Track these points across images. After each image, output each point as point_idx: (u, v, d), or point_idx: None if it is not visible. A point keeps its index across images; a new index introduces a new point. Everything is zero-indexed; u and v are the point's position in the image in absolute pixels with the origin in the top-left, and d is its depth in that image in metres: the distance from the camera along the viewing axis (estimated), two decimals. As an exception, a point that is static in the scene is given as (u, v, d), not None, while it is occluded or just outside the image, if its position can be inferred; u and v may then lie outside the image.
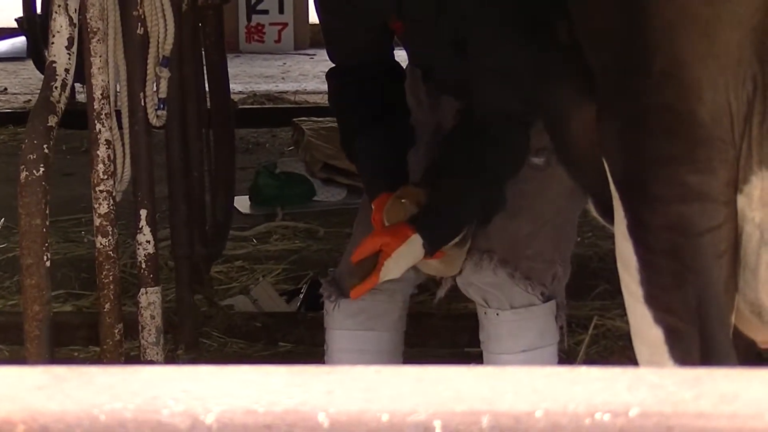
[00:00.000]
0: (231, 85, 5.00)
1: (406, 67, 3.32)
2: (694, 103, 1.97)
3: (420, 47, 3.11)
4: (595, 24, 2.14)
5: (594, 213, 2.58)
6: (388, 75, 3.17)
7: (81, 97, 2.99)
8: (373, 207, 3.01)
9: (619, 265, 2.15)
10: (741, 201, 2.01)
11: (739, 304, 2.08)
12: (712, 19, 1.94)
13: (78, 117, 3.14)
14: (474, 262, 3.00)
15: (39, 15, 7.71)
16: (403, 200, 2.94)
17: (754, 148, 1.98)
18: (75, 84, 5.79)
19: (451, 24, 2.93)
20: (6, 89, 9.41)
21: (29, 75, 9.45)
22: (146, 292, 3.17)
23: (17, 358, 3.73)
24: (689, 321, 2.04)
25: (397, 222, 2.92)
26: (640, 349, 2.13)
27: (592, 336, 3.93)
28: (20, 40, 9.90)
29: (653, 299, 2.07)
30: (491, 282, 3.02)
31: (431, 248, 2.89)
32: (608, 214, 2.20)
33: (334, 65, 3.21)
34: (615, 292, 3.07)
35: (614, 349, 3.90)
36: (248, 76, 10.19)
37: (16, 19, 9.33)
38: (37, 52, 7.63)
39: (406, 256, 2.90)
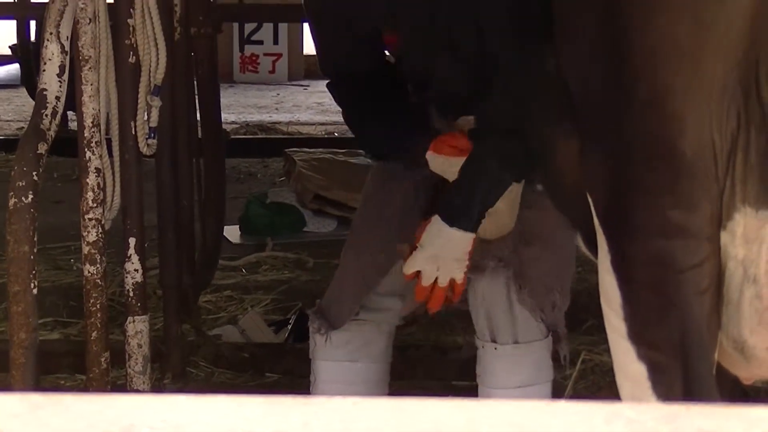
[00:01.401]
0: (224, 115, 5.01)
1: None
2: (676, 134, 1.96)
3: (414, 58, 3.10)
4: (579, 54, 2.13)
5: (582, 247, 2.58)
6: (387, 79, 3.16)
7: (73, 125, 3.00)
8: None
9: (602, 300, 2.13)
10: (724, 237, 2.01)
11: (722, 341, 2.08)
12: (696, 49, 1.93)
13: (70, 144, 3.14)
14: (491, 269, 2.98)
15: (33, 42, 7.72)
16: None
17: (738, 184, 1.97)
18: (67, 111, 5.78)
19: (445, 26, 2.92)
20: (-2, 116, 9.41)
21: (23, 102, 9.45)
22: (134, 321, 3.17)
23: (3, 385, 3.72)
24: (672, 357, 2.03)
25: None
26: (622, 384, 2.12)
27: (580, 371, 3.92)
28: (14, 67, 9.91)
29: (636, 334, 2.06)
30: (500, 308, 3.00)
31: (451, 222, 2.85)
32: (595, 247, 2.20)
33: (331, 78, 3.19)
34: (603, 327, 3.06)
35: (602, 384, 3.90)
36: (242, 106, 10.20)
37: (10, 47, 9.34)
38: (30, 79, 7.64)
39: (431, 242, 2.87)
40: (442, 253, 2.87)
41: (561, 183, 2.36)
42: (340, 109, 3.24)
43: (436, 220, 2.87)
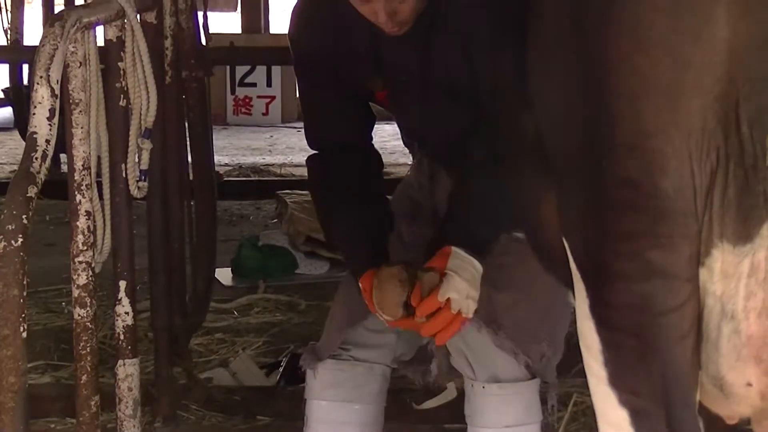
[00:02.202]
0: (217, 157, 5.01)
1: (404, 141, 3.33)
2: (657, 175, 1.95)
3: (407, 110, 3.11)
4: (555, 100, 2.11)
5: (573, 301, 2.57)
6: (366, 163, 3.17)
7: (65, 167, 3.01)
8: (361, 284, 2.97)
9: (581, 345, 2.11)
10: (702, 274, 2.00)
11: (702, 379, 2.07)
12: (676, 88, 1.93)
13: (61, 187, 3.14)
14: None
15: (25, 86, 7.75)
16: (390, 280, 2.89)
17: (715, 221, 1.96)
18: (59, 154, 5.79)
19: (440, 68, 2.93)
20: (-9, 159, 9.42)
21: (15, 145, 9.47)
22: (124, 364, 3.16)
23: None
24: (654, 403, 2.02)
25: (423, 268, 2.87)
26: (605, 430, 2.10)
27: (571, 413, 3.91)
28: (7, 111, 9.93)
29: (617, 380, 2.04)
30: (478, 348, 2.99)
31: (473, 252, 2.84)
32: None
33: (313, 151, 3.21)
34: (594, 369, 3.05)
35: (593, 426, 3.87)
36: (235, 148, 10.22)
37: (2, 90, 9.36)
38: (23, 122, 7.66)
39: (460, 269, 2.83)
40: (472, 283, 2.84)
41: (545, 234, 2.34)
42: (308, 188, 3.26)
43: (457, 251, 2.85)
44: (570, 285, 2.34)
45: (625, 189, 1.97)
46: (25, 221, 2.58)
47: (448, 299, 2.82)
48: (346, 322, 3.08)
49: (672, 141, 1.94)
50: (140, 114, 3.12)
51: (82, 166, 2.91)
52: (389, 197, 3.29)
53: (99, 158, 3.03)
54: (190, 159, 4.27)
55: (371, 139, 3.21)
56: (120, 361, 3.15)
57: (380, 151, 3.30)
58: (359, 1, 2.81)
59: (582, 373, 4.42)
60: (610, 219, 2.00)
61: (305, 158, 3.27)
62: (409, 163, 7.63)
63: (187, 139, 4.22)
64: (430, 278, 2.82)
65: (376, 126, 3.23)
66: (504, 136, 2.64)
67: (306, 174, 3.33)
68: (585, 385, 4.18)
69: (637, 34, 1.93)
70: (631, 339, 2.01)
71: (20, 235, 2.57)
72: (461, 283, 2.82)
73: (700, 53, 1.90)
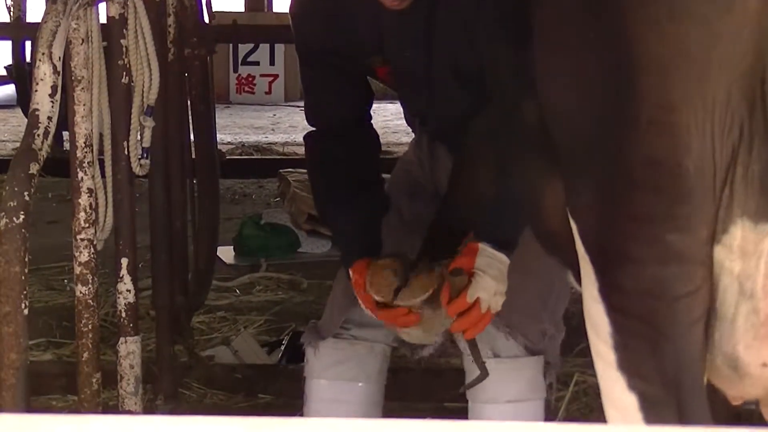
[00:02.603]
0: (220, 136, 5.00)
1: (407, 118, 3.33)
2: (681, 152, 1.90)
3: (410, 88, 3.10)
4: (566, 80, 2.06)
5: (573, 282, 2.55)
6: (364, 142, 3.16)
7: (67, 145, 3.01)
8: (352, 273, 2.98)
9: (588, 327, 2.07)
10: (719, 252, 1.95)
11: (715, 359, 2.03)
12: (705, 60, 1.88)
13: (64, 165, 3.14)
14: None
15: (28, 63, 7.73)
16: (385, 268, 2.90)
17: (736, 198, 1.92)
18: (62, 132, 5.79)
19: (447, 53, 2.91)
20: (-6, 136, 9.42)
21: (18, 122, 9.46)
22: (126, 342, 3.16)
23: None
24: (664, 389, 1.98)
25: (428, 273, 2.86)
26: (612, 414, 2.06)
27: (573, 393, 3.91)
28: (10, 88, 9.92)
29: (627, 364, 2.00)
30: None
31: (497, 243, 2.83)
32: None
33: (312, 128, 3.21)
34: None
35: (595, 406, 3.89)
36: (238, 127, 10.21)
37: (5, 67, 9.35)
38: (25, 100, 7.64)
39: (488, 267, 2.83)
40: (500, 280, 2.85)
41: (549, 221, 2.31)
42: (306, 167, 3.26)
43: (485, 248, 2.84)
44: (573, 268, 2.32)
45: (648, 169, 1.92)
46: (26, 198, 2.58)
47: (478, 298, 2.83)
48: (347, 301, 3.08)
49: (696, 116, 1.89)
50: (142, 91, 3.11)
51: (84, 143, 2.91)
52: (388, 176, 3.29)
53: (101, 135, 3.03)
54: (192, 137, 4.27)
55: (370, 117, 3.20)
56: (122, 339, 3.15)
57: (383, 130, 3.30)
58: None
59: (583, 353, 4.44)
60: (628, 201, 1.95)
61: (306, 136, 3.27)
62: (412, 142, 7.56)
63: (190, 117, 4.21)
64: (460, 281, 2.84)
65: (378, 105, 3.23)
66: (504, 121, 2.62)
67: (308, 153, 3.32)
68: (586, 365, 4.20)
69: (668, 2, 1.88)
70: (643, 324, 1.97)
71: (22, 212, 2.57)
72: (489, 282, 2.83)
73: (730, 24, 1.86)
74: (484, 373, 2.97)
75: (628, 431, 0.81)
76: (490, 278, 2.83)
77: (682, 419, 1.98)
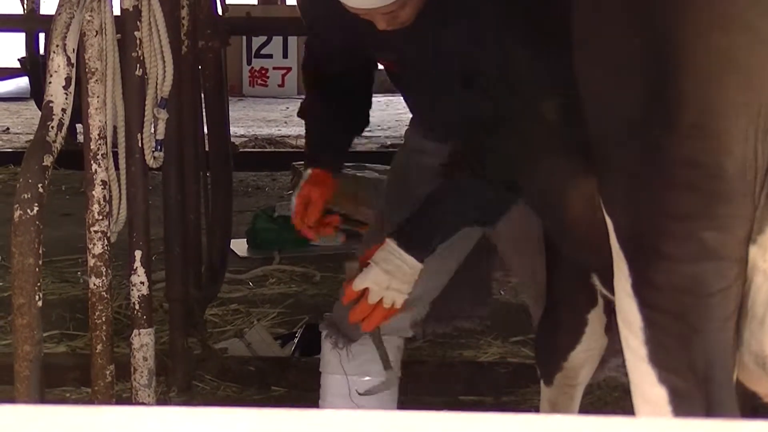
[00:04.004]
0: (233, 129, 5.00)
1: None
2: (722, 156, 1.90)
3: (416, 94, 3.09)
4: (604, 79, 2.05)
5: (599, 286, 2.54)
6: (361, 76, 3.21)
7: (81, 137, 3.02)
8: (311, 172, 3.17)
9: (619, 321, 2.08)
10: (753, 251, 1.96)
11: (744, 356, 2.03)
12: (751, 63, 1.87)
13: (78, 157, 3.15)
14: None
15: (42, 55, 7.74)
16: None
17: None
18: (75, 124, 5.79)
19: (454, 59, 2.91)
20: (8, 129, 9.44)
21: (32, 115, 9.48)
22: (139, 334, 3.16)
23: (8, 398, 3.71)
24: (695, 384, 1.99)
25: None
26: (641, 407, 2.06)
27: (586, 386, 3.90)
28: (23, 81, 9.94)
29: (658, 358, 2.01)
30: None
31: (407, 249, 2.85)
32: (609, 284, 2.15)
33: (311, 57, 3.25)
34: (608, 344, 3.05)
35: (608, 399, 3.88)
36: (251, 120, 10.21)
37: (19, 59, 9.36)
38: (39, 92, 7.65)
39: (386, 261, 2.86)
40: (395, 275, 2.86)
41: (574, 223, 2.30)
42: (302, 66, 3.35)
43: (390, 243, 2.86)
44: (600, 271, 2.31)
45: (686, 169, 1.92)
46: (40, 190, 2.58)
47: (367, 289, 2.86)
48: None
49: (740, 121, 1.88)
50: (156, 84, 3.11)
51: (98, 135, 2.91)
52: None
53: (115, 128, 3.03)
54: (205, 130, 4.27)
55: (372, 81, 3.24)
56: (135, 331, 3.15)
57: (396, 123, 3.31)
58: (357, 12, 2.78)
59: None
60: (666, 199, 1.95)
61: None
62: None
63: (203, 109, 4.21)
64: (350, 267, 2.93)
65: (392, 98, 3.25)
66: (522, 124, 2.61)
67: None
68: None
69: (715, 10, 1.87)
70: (676, 320, 1.98)
71: (36, 204, 2.57)
72: (380, 275, 2.85)
73: None
74: (389, 370, 3.05)
75: (645, 424, 0.81)
76: (381, 271, 2.85)
77: (711, 413, 1.98)
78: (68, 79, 2.71)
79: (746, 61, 1.88)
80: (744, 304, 2.00)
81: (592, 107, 2.10)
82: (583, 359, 3.03)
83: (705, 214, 1.93)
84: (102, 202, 2.91)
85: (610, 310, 2.75)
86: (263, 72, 11.70)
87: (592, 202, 2.18)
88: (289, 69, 11.73)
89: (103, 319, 2.94)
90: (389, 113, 8.42)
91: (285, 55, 11.68)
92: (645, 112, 1.97)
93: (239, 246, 5.68)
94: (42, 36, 7.78)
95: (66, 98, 2.71)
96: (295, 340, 4.42)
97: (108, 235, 2.93)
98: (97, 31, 2.85)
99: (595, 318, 2.87)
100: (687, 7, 1.90)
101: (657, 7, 1.93)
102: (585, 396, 3.89)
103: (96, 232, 2.91)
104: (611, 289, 2.14)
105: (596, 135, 2.10)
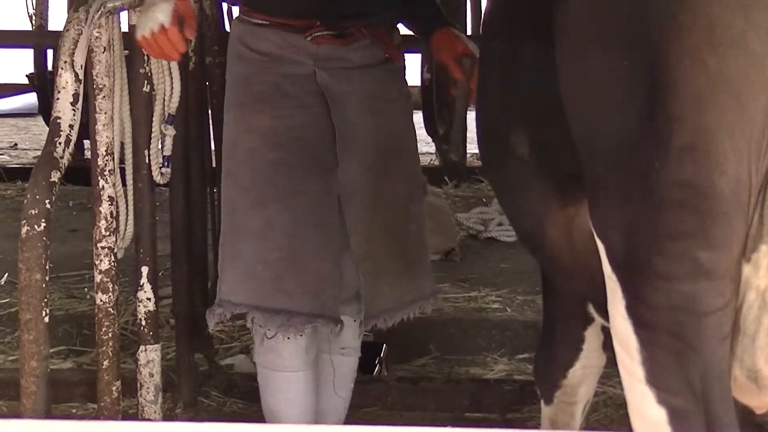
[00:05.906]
0: (239, 145, 4.96)
1: None
2: (716, 177, 1.90)
3: None
4: (594, 102, 2.05)
5: (594, 314, 2.55)
6: None
7: (88, 154, 3.02)
8: None
9: (615, 343, 2.07)
10: (746, 269, 1.97)
11: (736, 371, 2.04)
12: (746, 86, 1.87)
13: (85, 173, 3.15)
14: None
15: (50, 71, 7.75)
16: None
17: (767, 217, 1.93)
18: (83, 140, 5.80)
19: None
20: (16, 144, 9.46)
21: (40, 131, 9.48)
22: (146, 350, 3.16)
23: (15, 413, 3.71)
24: (694, 402, 1.98)
25: None
26: (640, 428, 2.06)
27: (593, 403, 3.90)
28: (32, 96, 9.95)
29: (655, 379, 2.01)
30: None
31: None
32: (603, 310, 2.13)
33: None
34: (616, 360, 3.04)
35: (615, 417, 3.88)
36: (257, 136, 10.20)
37: (27, 75, 9.38)
38: (47, 108, 7.66)
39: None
40: (153, 7, 2.93)
41: (559, 258, 2.31)
42: None
43: None
44: (592, 298, 2.30)
45: (680, 190, 1.92)
46: (48, 206, 2.59)
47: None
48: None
49: (735, 142, 1.89)
50: (163, 100, 3.11)
51: (106, 151, 2.92)
52: None
53: (122, 144, 3.03)
54: (212, 146, 4.27)
55: None
56: (141, 347, 3.16)
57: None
58: None
59: (605, 364, 4.40)
60: (660, 218, 1.95)
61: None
62: (431, 151, 7.60)
63: (210, 125, 4.21)
64: None
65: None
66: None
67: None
68: (607, 376, 4.17)
69: (712, 34, 1.87)
70: (671, 338, 1.97)
71: (43, 220, 2.57)
72: (142, 18, 2.94)
73: None
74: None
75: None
76: (142, 14, 2.95)
77: (711, 431, 1.97)
78: (76, 95, 2.72)
79: (739, 80, 1.88)
80: (736, 320, 2.01)
81: (581, 130, 2.09)
82: (582, 376, 3.02)
83: (699, 233, 1.93)
84: (109, 218, 2.91)
85: (608, 328, 2.76)
86: (270, 88, 11.71)
87: (569, 232, 2.18)
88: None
89: (110, 334, 2.94)
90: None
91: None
92: (634, 134, 1.96)
93: (246, 262, 5.66)
94: (50, 52, 7.80)
95: (74, 114, 2.72)
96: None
97: (115, 251, 2.94)
98: (105, 48, 2.86)
99: (593, 335, 2.87)
100: (679, 27, 1.89)
101: (648, 28, 1.93)
102: (592, 413, 3.88)
103: (103, 247, 2.91)
104: (606, 316, 2.14)
105: (587, 157, 2.09)
